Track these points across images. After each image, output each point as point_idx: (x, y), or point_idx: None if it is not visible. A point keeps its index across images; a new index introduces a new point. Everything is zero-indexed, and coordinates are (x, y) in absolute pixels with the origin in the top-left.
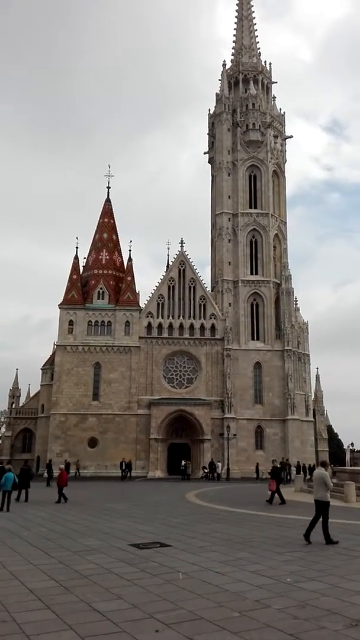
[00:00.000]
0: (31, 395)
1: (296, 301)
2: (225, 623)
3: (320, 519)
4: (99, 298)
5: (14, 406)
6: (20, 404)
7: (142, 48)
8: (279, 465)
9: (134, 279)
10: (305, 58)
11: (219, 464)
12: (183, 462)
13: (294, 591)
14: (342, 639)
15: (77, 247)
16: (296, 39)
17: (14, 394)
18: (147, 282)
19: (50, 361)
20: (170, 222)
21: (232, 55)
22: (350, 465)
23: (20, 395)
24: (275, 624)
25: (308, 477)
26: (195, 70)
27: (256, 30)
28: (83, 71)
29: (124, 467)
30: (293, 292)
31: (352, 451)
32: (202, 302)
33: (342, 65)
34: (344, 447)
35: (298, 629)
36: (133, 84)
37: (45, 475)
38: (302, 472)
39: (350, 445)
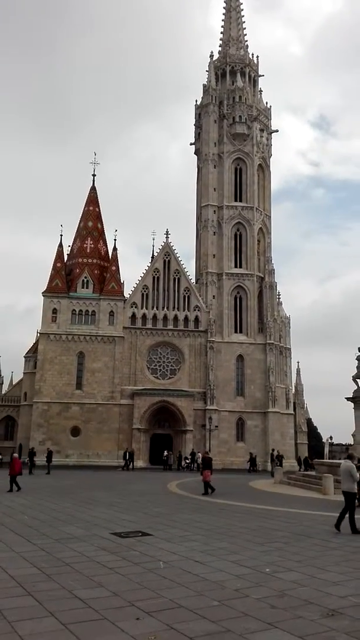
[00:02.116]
0: (14, 382)
1: (279, 295)
2: (205, 612)
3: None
4: (83, 287)
5: None
6: (3, 392)
7: (136, 39)
8: (209, 455)
9: (118, 268)
10: (296, 52)
11: (199, 455)
12: (165, 453)
13: (272, 581)
14: (318, 628)
15: (61, 235)
16: (287, 32)
17: None
18: (131, 272)
19: (34, 349)
20: (156, 213)
21: (219, 46)
22: (329, 459)
23: (2, 383)
24: (253, 613)
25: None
26: (189, 61)
27: (244, 22)
28: (75, 60)
29: (127, 457)
30: (276, 287)
31: (331, 444)
32: (187, 293)
33: (332, 61)
34: (323, 440)
35: (276, 618)
36: (126, 74)
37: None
38: (303, 465)
39: (329, 439)
